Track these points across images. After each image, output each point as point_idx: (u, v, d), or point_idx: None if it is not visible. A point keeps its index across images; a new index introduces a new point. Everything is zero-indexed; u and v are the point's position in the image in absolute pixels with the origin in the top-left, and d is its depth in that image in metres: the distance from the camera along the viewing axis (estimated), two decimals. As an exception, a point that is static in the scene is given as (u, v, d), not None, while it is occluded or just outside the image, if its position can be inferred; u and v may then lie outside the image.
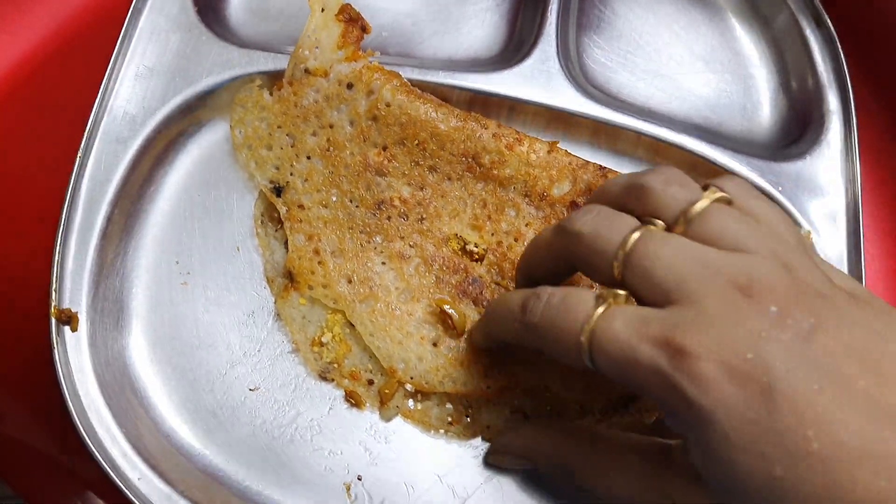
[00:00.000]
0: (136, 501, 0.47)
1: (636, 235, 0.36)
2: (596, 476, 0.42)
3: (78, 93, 0.55)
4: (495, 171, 0.54)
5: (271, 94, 0.55)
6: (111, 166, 0.54)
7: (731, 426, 0.31)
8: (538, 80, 0.60)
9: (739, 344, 0.31)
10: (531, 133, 0.60)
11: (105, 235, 0.53)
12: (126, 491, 0.47)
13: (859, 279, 0.55)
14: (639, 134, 0.59)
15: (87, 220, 0.52)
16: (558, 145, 0.55)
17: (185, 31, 0.58)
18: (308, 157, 0.54)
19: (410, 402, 0.53)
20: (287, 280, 0.54)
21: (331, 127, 0.54)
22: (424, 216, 0.54)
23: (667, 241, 0.36)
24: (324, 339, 0.53)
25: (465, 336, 0.51)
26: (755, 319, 0.32)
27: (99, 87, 0.55)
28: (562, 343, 0.37)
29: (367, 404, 0.52)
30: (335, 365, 0.53)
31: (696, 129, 0.62)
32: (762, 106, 0.65)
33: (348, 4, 0.55)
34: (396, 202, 0.54)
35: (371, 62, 0.55)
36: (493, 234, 0.54)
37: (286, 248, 0.54)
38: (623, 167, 0.61)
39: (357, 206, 0.54)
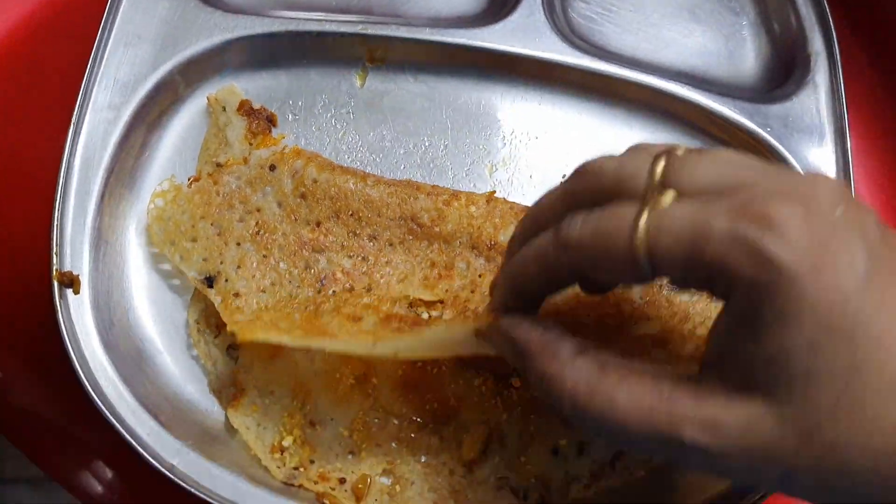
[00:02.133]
0: (147, 456, 0.47)
1: (645, 216, 0.31)
2: (598, 397, 0.33)
3: (69, 61, 0.56)
4: (437, 229, 0.53)
5: (189, 186, 0.54)
6: (105, 133, 0.54)
7: (819, 296, 0.28)
8: (524, 33, 0.60)
9: (823, 218, 0.29)
10: (519, 88, 0.61)
11: (102, 200, 0.53)
12: (137, 446, 0.47)
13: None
14: (627, 83, 0.60)
15: (83, 185, 0.52)
16: (495, 195, 0.55)
17: (172, -2, 0.58)
18: (238, 244, 0.52)
19: (387, 498, 0.50)
20: (235, 389, 0.51)
21: (258, 210, 0.53)
22: (372, 285, 0.51)
23: (681, 206, 0.31)
24: (284, 444, 0.50)
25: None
26: (825, 209, 0.29)
27: (89, 56, 0.55)
28: (611, 248, 0.32)
29: None
30: (301, 469, 0.50)
31: (683, 77, 0.62)
32: (747, 51, 0.66)
33: (247, 100, 0.56)
34: (339, 275, 0.52)
35: (286, 145, 0.55)
36: (447, 291, 0.52)
37: (228, 355, 0.52)
38: (613, 119, 0.62)
39: (298, 286, 0.52)
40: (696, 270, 0.30)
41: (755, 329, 0.29)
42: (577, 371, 0.33)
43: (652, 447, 0.32)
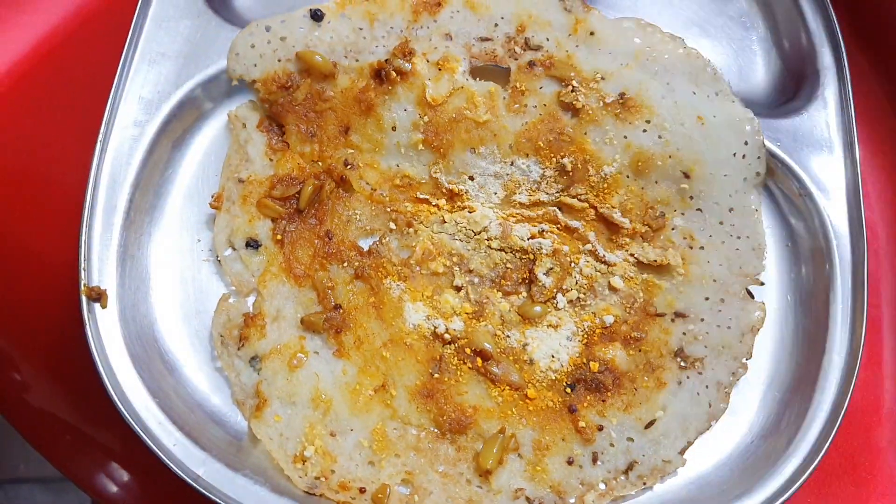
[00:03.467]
0: (173, 467, 0.48)
1: None
2: None
3: (94, 79, 0.57)
4: None
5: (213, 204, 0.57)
6: (131, 149, 0.56)
7: None
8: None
9: None
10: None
11: (128, 216, 0.55)
12: (163, 457, 0.49)
13: (859, 223, 0.57)
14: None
15: (110, 201, 0.54)
16: None
17: (195, 17, 0.59)
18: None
19: None
20: (258, 400, 0.53)
21: None
22: None
23: None
24: (306, 454, 0.51)
25: None
26: None
27: (114, 75, 0.56)
28: None
29: None
30: (322, 479, 0.51)
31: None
32: (757, 66, 0.66)
33: (267, 116, 0.58)
34: None
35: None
36: None
37: (251, 366, 0.54)
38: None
39: None
40: None
41: None
42: None
43: None
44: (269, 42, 0.57)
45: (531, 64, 0.57)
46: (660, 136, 0.56)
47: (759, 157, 0.56)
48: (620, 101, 0.56)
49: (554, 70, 0.57)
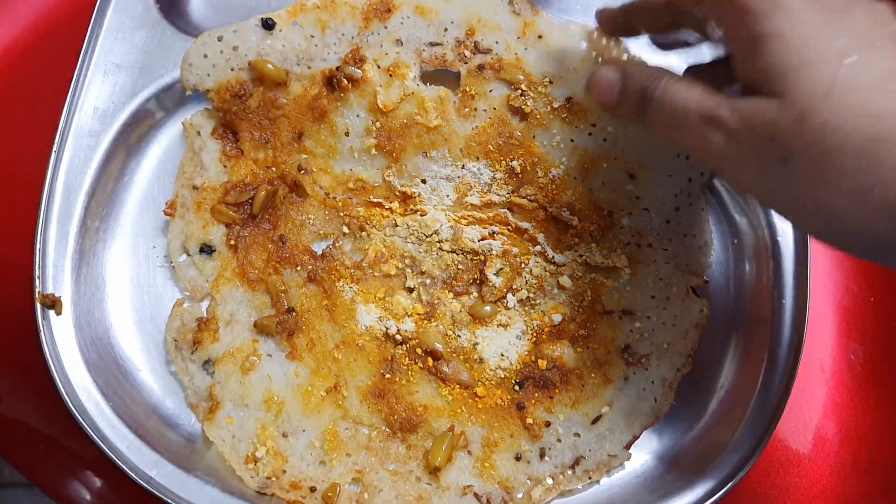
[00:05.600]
0: (126, 469, 0.50)
1: None
2: (678, 86, 0.43)
3: (49, 90, 0.58)
4: None
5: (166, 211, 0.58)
6: (86, 159, 0.57)
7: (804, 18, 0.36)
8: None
9: None
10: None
11: (84, 224, 0.56)
12: (116, 460, 0.50)
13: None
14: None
15: (65, 210, 0.55)
16: None
17: (150, 27, 0.60)
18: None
19: None
20: (211, 403, 0.54)
21: None
22: None
23: None
24: (258, 455, 0.52)
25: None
26: None
27: (69, 85, 0.57)
28: None
29: None
30: (273, 479, 0.52)
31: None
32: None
33: (220, 123, 0.59)
34: None
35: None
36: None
37: (205, 370, 0.55)
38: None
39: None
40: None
41: (760, 46, 0.37)
42: (668, 73, 0.44)
43: (697, 128, 0.41)
44: (221, 52, 0.58)
45: (480, 67, 0.57)
46: (605, 140, 0.57)
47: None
48: (567, 104, 0.57)
49: (503, 73, 0.57)
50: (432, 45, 0.58)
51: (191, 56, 0.58)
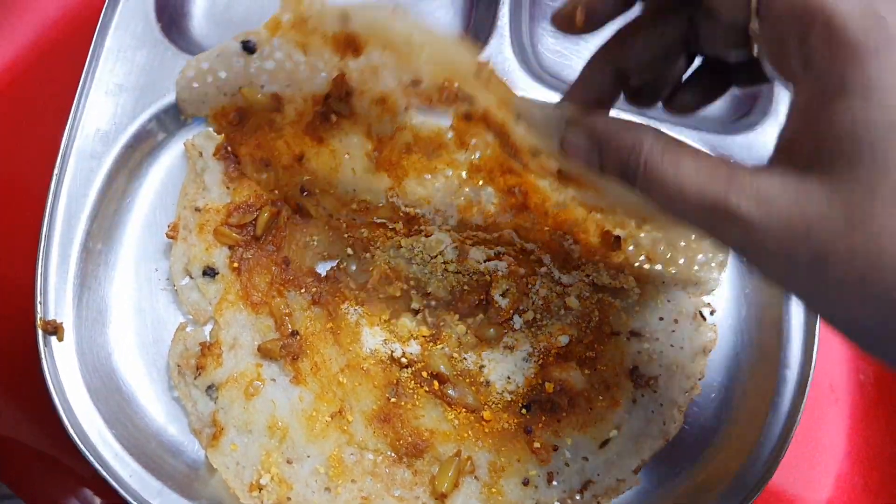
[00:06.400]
0: (129, 498, 0.49)
1: None
2: (667, 160, 0.34)
3: (50, 110, 0.58)
4: None
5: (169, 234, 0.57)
6: (87, 181, 0.56)
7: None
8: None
9: None
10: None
11: (85, 248, 0.55)
12: (119, 489, 0.49)
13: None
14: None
15: (66, 233, 0.55)
16: None
17: (151, 47, 0.60)
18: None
19: None
20: (214, 429, 0.53)
21: None
22: None
23: None
24: (262, 482, 0.52)
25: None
26: None
27: (70, 106, 0.57)
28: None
29: None
30: None
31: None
32: (713, 82, 0.67)
33: (223, 144, 0.58)
34: None
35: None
36: None
37: (208, 395, 0.54)
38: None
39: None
40: (802, 19, 0.29)
41: (835, 97, 0.28)
42: (653, 139, 0.34)
43: (701, 215, 0.32)
44: (209, 80, 0.57)
45: (467, 117, 0.53)
46: (607, 202, 0.52)
47: None
48: (561, 174, 0.48)
49: (492, 126, 0.51)
50: (414, 83, 0.53)
51: (180, 88, 0.58)
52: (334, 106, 0.55)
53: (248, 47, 0.55)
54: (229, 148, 0.58)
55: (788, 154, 0.31)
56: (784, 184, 0.30)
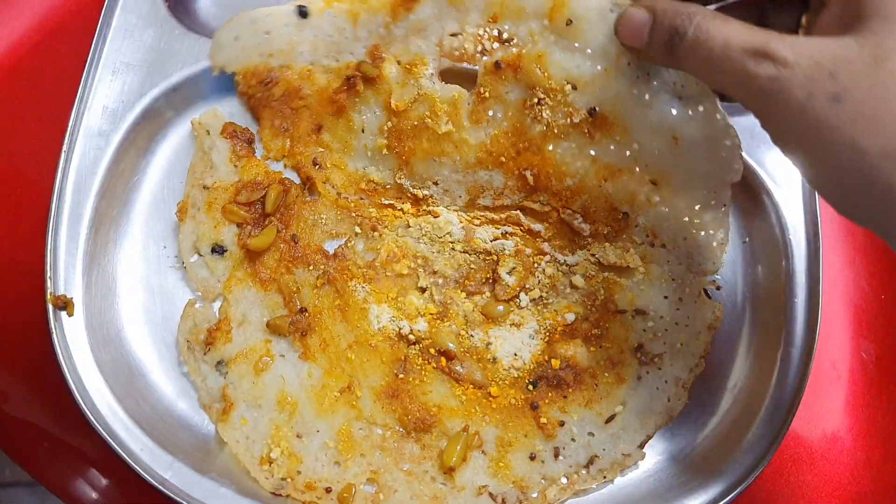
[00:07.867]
0: (140, 470, 0.49)
1: None
2: (718, 21, 0.40)
3: (58, 89, 0.58)
4: None
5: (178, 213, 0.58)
6: (95, 159, 0.56)
7: None
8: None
9: None
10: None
11: (94, 224, 0.55)
12: (131, 462, 0.50)
13: (814, 217, 0.58)
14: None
15: (75, 210, 0.55)
16: None
17: (158, 26, 0.60)
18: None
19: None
20: (224, 404, 0.53)
21: None
22: None
23: None
24: (272, 455, 0.52)
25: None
26: None
27: (77, 85, 0.57)
28: None
29: None
30: (288, 480, 0.52)
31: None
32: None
33: (230, 123, 0.59)
34: None
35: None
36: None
37: (217, 371, 0.54)
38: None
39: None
40: None
41: None
42: (703, 8, 0.41)
43: (738, 65, 0.38)
44: (252, 35, 0.58)
45: (497, 65, 0.54)
46: (628, 153, 0.54)
47: (735, 168, 0.53)
48: (590, 118, 0.53)
49: (521, 73, 0.54)
50: (453, 35, 0.55)
51: (221, 36, 0.58)
52: (364, 69, 0.56)
53: (303, 12, 0.57)
54: (250, 111, 0.59)
55: (825, 27, 0.38)
56: (821, 41, 0.36)
